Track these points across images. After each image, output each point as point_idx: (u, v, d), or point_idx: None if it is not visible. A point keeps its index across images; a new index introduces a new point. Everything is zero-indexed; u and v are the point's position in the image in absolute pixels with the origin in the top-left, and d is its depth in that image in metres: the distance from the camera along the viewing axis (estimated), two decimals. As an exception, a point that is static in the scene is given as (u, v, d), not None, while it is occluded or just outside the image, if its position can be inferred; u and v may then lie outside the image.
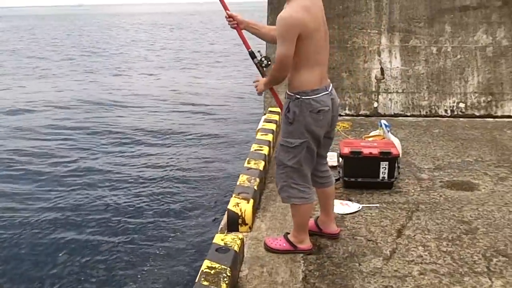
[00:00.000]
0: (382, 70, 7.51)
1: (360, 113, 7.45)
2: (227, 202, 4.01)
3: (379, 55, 7.55)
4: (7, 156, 9.60)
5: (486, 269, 3.27)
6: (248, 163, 4.80)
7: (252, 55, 3.58)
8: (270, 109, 7.21)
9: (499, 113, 7.33)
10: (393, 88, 7.47)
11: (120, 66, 23.95)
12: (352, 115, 7.44)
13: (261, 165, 4.73)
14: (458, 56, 7.46)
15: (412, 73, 7.48)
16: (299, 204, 3.34)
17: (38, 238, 6.20)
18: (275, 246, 3.48)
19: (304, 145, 3.22)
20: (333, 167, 5.06)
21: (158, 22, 71.16)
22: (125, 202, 7.24)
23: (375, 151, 4.55)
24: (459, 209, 4.22)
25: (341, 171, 4.71)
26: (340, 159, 4.71)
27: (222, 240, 3.20)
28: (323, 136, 3.29)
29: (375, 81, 7.51)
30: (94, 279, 5.29)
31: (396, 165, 4.61)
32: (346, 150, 4.58)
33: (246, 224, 3.76)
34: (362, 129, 6.67)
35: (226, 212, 3.86)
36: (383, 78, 7.50)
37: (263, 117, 6.99)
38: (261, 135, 5.84)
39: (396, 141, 5.24)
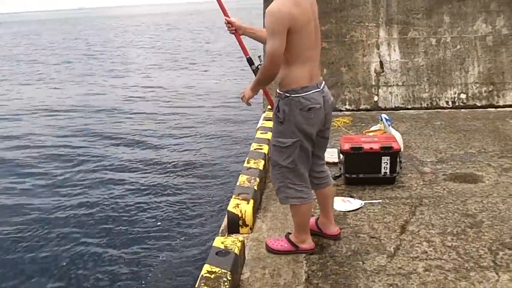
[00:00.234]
0: (381, 63, 7.44)
1: (360, 107, 7.38)
2: (228, 203, 3.96)
3: (378, 48, 7.47)
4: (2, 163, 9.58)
5: (492, 263, 3.21)
6: (248, 162, 4.74)
7: (250, 61, 3.52)
8: (269, 107, 7.14)
9: (500, 103, 7.25)
10: (393, 81, 7.39)
11: (117, 68, 24.04)
12: (353, 110, 7.37)
13: (261, 164, 4.68)
14: (458, 47, 7.38)
15: (411, 66, 7.40)
16: (298, 204, 3.28)
17: (37, 245, 6.20)
18: (277, 247, 3.42)
19: (297, 144, 3.14)
20: (334, 164, 5.03)
21: (157, 23, 71.04)
22: (124, 203, 7.26)
23: (376, 146, 4.48)
24: (463, 202, 4.16)
25: (342, 168, 4.65)
26: (341, 155, 4.64)
27: (222, 243, 3.14)
28: (316, 134, 3.21)
29: (375, 74, 7.44)
30: (95, 282, 5.25)
31: (398, 159, 4.55)
32: (346, 146, 4.52)
33: (246, 226, 3.70)
34: (363, 124, 6.60)
35: (226, 214, 3.80)
36: (383, 71, 7.42)
37: (263, 115, 6.93)
38: (261, 133, 5.79)
39: (397, 135, 5.18)
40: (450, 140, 5.86)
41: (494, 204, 4.09)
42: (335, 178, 4.68)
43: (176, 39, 40.38)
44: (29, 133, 11.91)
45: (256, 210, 4.02)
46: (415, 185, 4.56)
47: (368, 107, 7.37)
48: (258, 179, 4.29)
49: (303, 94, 3.08)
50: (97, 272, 5.45)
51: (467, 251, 3.37)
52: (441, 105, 7.30)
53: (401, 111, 7.27)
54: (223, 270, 2.84)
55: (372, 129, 5.86)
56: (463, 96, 7.29)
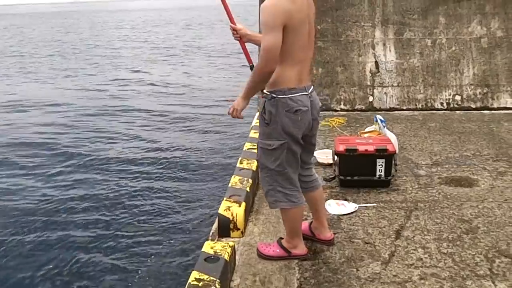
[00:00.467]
0: (376, 63, 7.36)
1: (355, 107, 7.30)
2: (219, 205, 3.87)
3: (374, 49, 7.40)
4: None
5: (489, 271, 3.13)
6: (241, 163, 4.65)
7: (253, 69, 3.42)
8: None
9: (495, 105, 7.19)
10: (388, 82, 7.32)
11: (107, 63, 23.71)
12: (347, 110, 7.28)
13: (254, 165, 4.58)
14: (453, 48, 7.32)
15: (407, 66, 7.33)
16: (288, 209, 3.18)
17: (22, 241, 6.07)
18: (268, 252, 3.33)
19: (285, 147, 3.04)
20: (328, 165, 4.96)
21: (152, 18, 70.72)
22: (110, 204, 7.06)
23: (371, 148, 4.40)
24: (458, 206, 4.09)
25: (336, 169, 4.57)
26: (335, 156, 4.56)
27: (211, 248, 3.05)
28: (301, 138, 3.11)
29: (370, 75, 7.36)
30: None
31: (393, 162, 4.47)
32: (341, 148, 4.43)
33: (238, 229, 3.60)
34: (358, 125, 6.52)
35: (217, 217, 3.71)
36: (378, 71, 7.35)
37: (257, 114, 6.84)
38: (254, 132, 5.69)
39: (392, 137, 5.10)
40: (445, 142, 5.79)
41: (489, 209, 4.02)
42: (330, 179, 4.61)
43: (170, 35, 40.18)
44: (17, 128, 11.73)
45: (248, 213, 3.92)
46: (410, 188, 4.49)
47: (363, 107, 7.29)
48: (250, 180, 4.20)
49: (290, 96, 2.98)
50: (81, 278, 5.29)
51: (463, 259, 3.29)
52: (436, 106, 7.23)
53: (396, 112, 7.20)
54: (211, 278, 2.74)
55: (367, 130, 5.78)
56: (458, 97, 7.23)
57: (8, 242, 6.05)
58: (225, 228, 3.60)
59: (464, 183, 4.59)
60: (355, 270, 3.18)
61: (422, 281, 3.03)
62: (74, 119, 12.54)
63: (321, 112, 7.02)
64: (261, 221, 3.92)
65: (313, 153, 3.39)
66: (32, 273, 5.40)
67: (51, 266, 5.52)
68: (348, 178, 4.46)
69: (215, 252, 3.02)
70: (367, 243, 3.52)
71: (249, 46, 3.40)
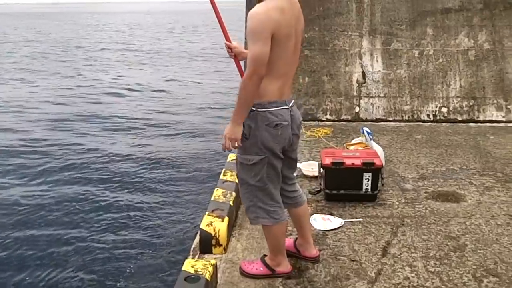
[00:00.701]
0: (363, 73, 7.31)
1: (341, 118, 7.23)
2: (201, 219, 3.75)
3: (361, 59, 7.34)
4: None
5: (477, 292, 3.06)
6: (224, 174, 4.54)
7: None
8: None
9: (481, 118, 7.17)
10: (375, 92, 7.27)
11: (82, 66, 23.46)
12: (334, 120, 7.21)
13: (238, 177, 4.47)
14: (440, 60, 7.29)
15: (394, 77, 7.29)
16: (270, 225, 3.07)
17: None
18: (251, 270, 3.22)
19: (265, 161, 2.93)
20: (314, 177, 4.87)
21: (133, 21, 70.44)
22: (88, 216, 6.85)
23: (357, 162, 4.32)
24: (445, 223, 4.02)
25: (322, 183, 4.48)
26: (321, 169, 4.47)
27: (192, 266, 2.93)
28: (281, 153, 3.00)
29: (357, 85, 7.30)
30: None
31: (380, 176, 4.40)
32: (327, 161, 4.34)
33: (220, 245, 3.48)
34: (344, 135, 6.45)
35: (199, 232, 3.59)
36: (365, 82, 7.29)
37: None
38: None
39: (379, 150, 5.02)
40: (432, 155, 5.74)
41: (477, 226, 3.96)
42: (315, 193, 4.52)
43: (151, 38, 39.99)
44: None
45: (231, 228, 3.81)
46: (397, 203, 4.41)
47: (349, 117, 7.22)
48: (234, 194, 4.09)
49: (270, 109, 2.87)
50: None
51: (450, 278, 3.22)
52: (422, 118, 7.19)
53: (382, 123, 7.14)
54: (192, 299, 2.63)
55: (353, 141, 5.71)
56: (444, 109, 7.19)
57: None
58: (207, 244, 3.48)
59: (451, 198, 4.53)
60: (340, 290, 3.08)
61: (410, 302, 2.95)
62: (48, 123, 12.28)
63: (307, 122, 7.02)
64: (245, 236, 3.81)
65: (295, 168, 3.28)
66: (13, 273, 5.36)
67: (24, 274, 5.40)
68: (334, 192, 4.37)
69: (195, 271, 2.91)
70: (353, 261, 3.43)
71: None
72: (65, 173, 8.59)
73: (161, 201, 7.41)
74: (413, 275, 3.25)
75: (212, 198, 4.02)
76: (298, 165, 4.90)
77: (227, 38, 3.24)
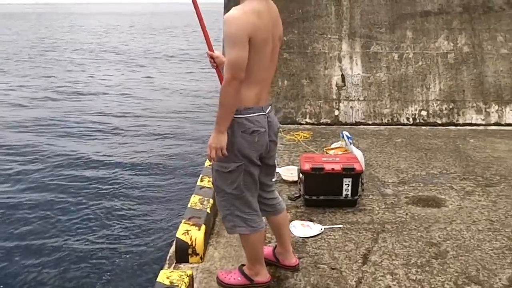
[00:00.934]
0: (343, 77, 7.26)
1: (321, 121, 7.17)
2: (177, 226, 3.64)
3: (340, 62, 7.29)
4: None
5: (459, 301, 3.00)
6: (202, 180, 4.43)
7: None
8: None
9: (460, 121, 7.17)
10: (354, 96, 7.22)
11: (59, 68, 23.17)
12: (313, 124, 7.15)
13: (216, 183, 4.36)
14: (420, 63, 7.28)
15: (373, 80, 7.25)
16: (247, 234, 2.98)
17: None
18: (229, 280, 3.12)
19: (241, 169, 2.84)
20: (293, 182, 4.79)
21: (112, 22, 69.86)
22: (64, 223, 6.62)
23: (337, 167, 4.24)
24: (426, 228, 3.96)
25: (301, 188, 4.40)
26: (301, 175, 4.39)
27: (167, 278, 2.82)
28: (258, 160, 2.91)
29: (336, 88, 7.25)
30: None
31: (360, 181, 4.33)
32: (307, 166, 4.26)
33: (197, 255, 3.38)
34: (323, 139, 6.38)
35: (175, 240, 3.47)
36: (344, 85, 7.25)
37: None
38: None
39: (359, 154, 4.96)
40: (412, 159, 5.70)
41: (458, 232, 3.91)
42: (294, 198, 4.45)
43: (124, 40, 39.70)
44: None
45: (208, 236, 3.70)
46: (377, 208, 4.35)
47: (329, 121, 7.17)
48: (212, 200, 3.98)
49: (246, 116, 2.78)
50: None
51: (432, 286, 3.16)
52: (402, 121, 7.17)
53: (362, 126, 7.10)
54: (167, 313, 2.52)
55: (333, 146, 5.64)
56: (424, 113, 7.18)
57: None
58: (183, 254, 3.37)
59: (432, 203, 4.48)
60: (320, 300, 3.00)
61: (391, 312, 2.88)
62: (17, 126, 11.99)
63: (286, 126, 6.95)
64: (222, 244, 3.71)
65: (273, 175, 3.20)
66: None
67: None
68: (314, 197, 4.29)
69: (171, 282, 2.80)
70: (333, 269, 3.35)
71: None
72: (36, 178, 8.31)
73: (137, 208, 7.22)
74: (394, 283, 3.18)
75: (189, 205, 3.92)
76: (277, 170, 4.85)
77: (209, 48, 3.15)
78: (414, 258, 3.49)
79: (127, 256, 5.77)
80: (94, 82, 18.80)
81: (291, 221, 3.97)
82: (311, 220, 4.07)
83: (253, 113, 2.80)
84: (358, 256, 3.52)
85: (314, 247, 3.65)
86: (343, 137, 5.48)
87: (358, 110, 7.19)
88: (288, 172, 4.94)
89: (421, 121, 7.16)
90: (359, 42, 7.33)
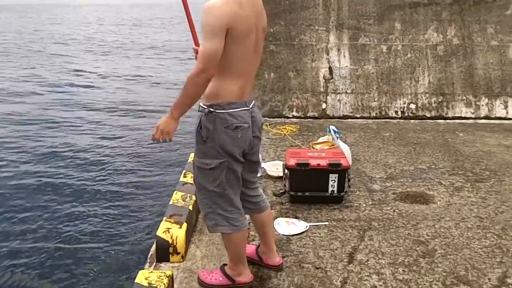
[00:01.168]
0: (330, 69, 7.14)
1: (308, 115, 7.05)
2: (159, 224, 3.52)
3: (328, 54, 7.17)
4: None
5: (448, 302, 2.91)
6: (185, 176, 4.31)
7: None
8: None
9: (450, 114, 7.09)
10: (342, 89, 7.11)
11: (48, 60, 22.86)
12: (300, 117, 7.02)
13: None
14: (409, 55, 7.18)
15: (361, 73, 7.14)
16: (230, 233, 2.87)
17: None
18: (210, 281, 3.01)
19: (224, 166, 2.73)
20: (279, 177, 4.68)
21: (101, 15, 69.24)
22: (43, 222, 6.39)
23: (323, 163, 4.13)
24: (414, 226, 3.87)
25: (287, 184, 4.29)
26: (286, 170, 4.28)
27: (146, 279, 2.71)
28: (241, 156, 2.81)
29: (324, 81, 7.13)
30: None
31: (347, 177, 4.23)
32: (292, 162, 4.15)
33: (178, 253, 3.26)
34: (310, 133, 6.27)
35: (155, 239, 3.35)
36: (332, 78, 7.13)
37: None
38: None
39: (345, 149, 4.85)
40: (400, 154, 5.61)
41: (447, 229, 3.82)
42: (279, 194, 4.34)
43: (116, 32, 39.36)
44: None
45: (190, 234, 3.59)
46: (364, 204, 4.25)
47: (316, 114, 7.05)
48: (194, 197, 3.86)
49: (229, 111, 2.67)
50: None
51: (420, 286, 3.06)
52: (390, 115, 7.07)
53: (350, 120, 7.00)
54: (143, 317, 2.41)
55: (319, 140, 5.53)
56: (412, 106, 7.09)
57: None
58: (164, 252, 3.25)
59: (420, 199, 4.39)
60: (304, 301, 2.90)
61: (377, 315, 2.78)
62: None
63: (272, 119, 6.82)
64: (205, 242, 3.60)
65: (256, 171, 3.09)
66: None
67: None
68: (299, 193, 4.18)
69: (149, 283, 2.69)
70: (318, 268, 3.25)
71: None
72: (13, 178, 8.02)
73: (121, 205, 7.02)
74: (380, 283, 3.09)
75: (171, 202, 3.80)
76: (263, 165, 4.75)
77: (196, 43, 3.02)
78: (401, 257, 3.40)
79: (109, 255, 5.60)
80: (80, 75, 18.52)
81: (275, 218, 3.87)
82: (296, 217, 3.97)
83: (236, 108, 2.69)
84: (343, 255, 3.42)
85: (298, 246, 3.55)
86: (329, 131, 5.38)
87: (346, 103, 7.09)
88: (274, 167, 4.83)
89: (410, 114, 7.07)
90: (347, 34, 7.20)
